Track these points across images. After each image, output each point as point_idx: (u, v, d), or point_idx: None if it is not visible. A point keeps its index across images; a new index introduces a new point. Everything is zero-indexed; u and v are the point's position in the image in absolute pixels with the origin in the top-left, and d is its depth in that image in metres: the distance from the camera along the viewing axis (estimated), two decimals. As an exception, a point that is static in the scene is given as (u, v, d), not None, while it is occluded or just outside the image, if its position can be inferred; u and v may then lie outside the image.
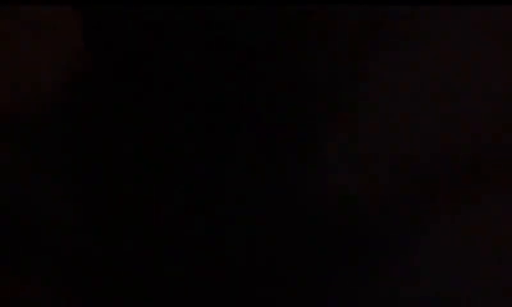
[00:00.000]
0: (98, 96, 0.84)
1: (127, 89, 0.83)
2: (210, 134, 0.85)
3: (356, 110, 0.88)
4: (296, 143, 0.88)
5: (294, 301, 0.81)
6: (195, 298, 0.81)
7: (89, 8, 0.82)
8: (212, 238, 0.85)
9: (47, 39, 0.82)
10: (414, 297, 0.79)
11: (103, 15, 0.83)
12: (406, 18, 0.90)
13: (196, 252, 0.84)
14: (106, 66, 0.84)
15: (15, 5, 0.81)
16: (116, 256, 0.82)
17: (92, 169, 0.84)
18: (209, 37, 0.84)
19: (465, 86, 0.88)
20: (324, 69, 0.89)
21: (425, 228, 0.83)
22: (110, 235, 0.83)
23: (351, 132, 0.87)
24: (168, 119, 0.84)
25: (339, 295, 0.80)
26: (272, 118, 0.88)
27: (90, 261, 0.82)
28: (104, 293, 0.81)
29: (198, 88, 0.85)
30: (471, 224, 0.83)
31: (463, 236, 0.82)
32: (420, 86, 0.89)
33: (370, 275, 0.81)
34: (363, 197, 0.85)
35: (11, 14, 0.80)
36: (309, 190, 0.85)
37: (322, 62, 0.89)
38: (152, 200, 0.84)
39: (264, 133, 0.87)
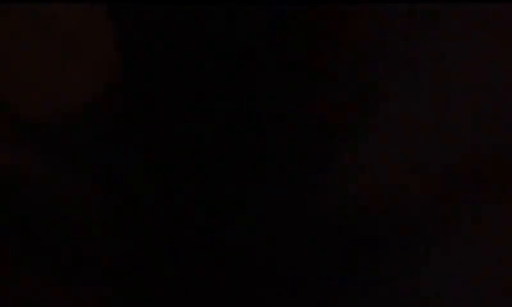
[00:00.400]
0: (129, 105, 0.87)
1: (159, 97, 0.86)
2: (234, 148, 0.87)
3: (368, 117, 0.88)
4: (309, 149, 0.88)
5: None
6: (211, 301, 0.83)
7: (121, 16, 0.84)
8: (218, 239, 0.85)
9: (78, 47, 0.84)
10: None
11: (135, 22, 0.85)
12: (420, 19, 0.89)
13: (207, 252, 0.85)
14: (138, 75, 0.86)
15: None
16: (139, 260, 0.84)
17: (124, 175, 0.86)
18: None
19: (484, 87, 0.88)
20: (339, 76, 0.89)
21: (442, 236, 0.83)
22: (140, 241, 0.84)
23: (364, 138, 0.87)
24: (196, 126, 0.86)
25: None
26: (284, 125, 0.88)
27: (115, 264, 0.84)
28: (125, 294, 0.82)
29: (226, 98, 0.87)
30: (490, 231, 0.83)
31: (481, 243, 0.82)
32: (435, 88, 0.88)
33: (386, 282, 0.81)
34: (376, 204, 0.85)
35: (42, 25, 0.82)
36: (322, 197, 0.86)
37: (337, 69, 0.89)
38: (179, 208, 0.86)
39: (276, 139, 0.88)
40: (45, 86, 0.83)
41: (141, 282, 0.84)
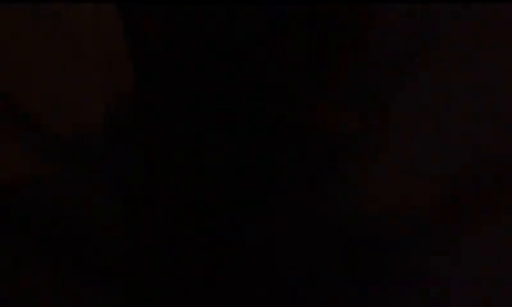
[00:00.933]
0: (142, 114, 0.88)
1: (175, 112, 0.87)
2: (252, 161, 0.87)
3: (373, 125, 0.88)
4: (315, 158, 0.88)
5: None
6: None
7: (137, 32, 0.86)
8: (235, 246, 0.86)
9: (90, 58, 0.85)
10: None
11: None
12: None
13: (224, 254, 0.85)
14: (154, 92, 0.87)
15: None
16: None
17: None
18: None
19: (487, 95, 0.87)
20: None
21: (447, 244, 0.83)
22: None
23: (369, 147, 0.88)
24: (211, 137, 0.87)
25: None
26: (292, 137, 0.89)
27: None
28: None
29: (240, 107, 0.88)
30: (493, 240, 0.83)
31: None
32: (437, 95, 0.88)
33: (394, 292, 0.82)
34: (383, 215, 0.85)
35: (62, 45, 0.83)
36: (330, 207, 0.86)
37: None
38: (189, 215, 0.86)
39: (285, 151, 0.88)
40: (61, 97, 0.84)
41: (147, 286, 0.84)
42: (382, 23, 0.86)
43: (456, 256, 0.83)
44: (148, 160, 0.86)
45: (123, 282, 0.84)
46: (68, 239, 0.83)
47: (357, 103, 0.87)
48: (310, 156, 0.87)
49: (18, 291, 0.81)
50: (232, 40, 0.87)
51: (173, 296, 0.84)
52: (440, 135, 0.85)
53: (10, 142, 0.82)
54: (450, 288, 0.82)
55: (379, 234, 0.84)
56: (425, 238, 0.84)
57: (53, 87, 0.83)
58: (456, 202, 0.84)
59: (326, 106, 0.88)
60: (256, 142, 0.88)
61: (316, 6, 0.87)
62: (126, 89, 0.85)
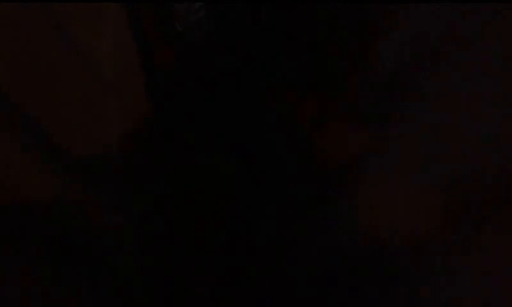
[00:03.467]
0: (159, 137, 0.90)
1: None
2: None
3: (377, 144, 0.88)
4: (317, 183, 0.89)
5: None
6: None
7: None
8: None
9: (110, 84, 0.87)
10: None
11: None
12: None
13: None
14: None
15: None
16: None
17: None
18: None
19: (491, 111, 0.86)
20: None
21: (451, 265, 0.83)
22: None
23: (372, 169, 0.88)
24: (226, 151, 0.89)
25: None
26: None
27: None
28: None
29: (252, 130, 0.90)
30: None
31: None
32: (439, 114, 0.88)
33: None
34: (385, 238, 0.85)
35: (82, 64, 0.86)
36: (332, 232, 0.87)
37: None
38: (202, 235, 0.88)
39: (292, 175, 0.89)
40: (82, 122, 0.86)
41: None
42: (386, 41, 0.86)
43: (455, 274, 0.83)
44: (162, 186, 0.89)
45: (135, 297, 0.86)
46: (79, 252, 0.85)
47: (367, 120, 0.87)
48: (315, 180, 0.88)
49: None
50: (239, 66, 0.89)
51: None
52: (440, 156, 0.85)
53: (30, 162, 0.85)
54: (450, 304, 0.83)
55: (381, 254, 0.85)
56: (425, 258, 0.84)
57: (73, 111, 0.85)
58: (455, 222, 0.84)
59: (337, 125, 0.89)
60: (265, 167, 0.89)
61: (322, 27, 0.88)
62: (141, 116, 0.88)
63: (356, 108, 0.88)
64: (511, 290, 0.81)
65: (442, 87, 0.85)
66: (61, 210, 0.85)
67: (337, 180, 0.88)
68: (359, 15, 0.87)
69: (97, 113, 0.87)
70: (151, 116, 0.90)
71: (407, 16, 0.86)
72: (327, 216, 0.88)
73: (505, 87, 0.83)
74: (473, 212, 0.84)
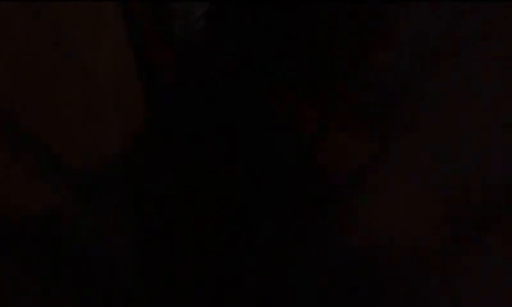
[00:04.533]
0: (157, 154, 0.90)
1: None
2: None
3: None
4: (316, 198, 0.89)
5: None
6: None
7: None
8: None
9: (109, 100, 0.87)
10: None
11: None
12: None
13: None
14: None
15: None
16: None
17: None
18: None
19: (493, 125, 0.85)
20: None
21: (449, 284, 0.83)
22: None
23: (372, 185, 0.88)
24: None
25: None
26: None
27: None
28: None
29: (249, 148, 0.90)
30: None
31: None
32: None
33: None
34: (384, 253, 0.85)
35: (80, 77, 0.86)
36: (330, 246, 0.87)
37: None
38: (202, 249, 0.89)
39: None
40: (81, 135, 0.86)
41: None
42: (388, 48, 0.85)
43: (455, 286, 0.83)
44: (160, 195, 0.89)
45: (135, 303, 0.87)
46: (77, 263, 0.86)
47: (368, 129, 0.87)
48: (317, 191, 0.89)
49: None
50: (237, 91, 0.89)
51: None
52: (440, 165, 0.85)
53: (31, 176, 0.85)
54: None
55: (381, 264, 0.85)
56: (425, 268, 0.84)
57: (73, 123, 0.86)
58: (456, 234, 0.84)
59: (337, 135, 0.88)
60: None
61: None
62: (140, 128, 0.88)
63: (356, 117, 0.88)
64: (511, 300, 0.81)
65: (442, 90, 0.84)
66: (60, 222, 0.86)
67: (337, 189, 0.88)
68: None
69: (96, 116, 0.87)
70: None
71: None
72: (327, 223, 0.88)
73: (505, 89, 0.83)
74: (473, 222, 0.84)
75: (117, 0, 0.84)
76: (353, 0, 0.86)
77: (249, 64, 0.89)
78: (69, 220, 0.85)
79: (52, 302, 0.84)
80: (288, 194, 0.89)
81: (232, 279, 0.89)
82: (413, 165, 0.85)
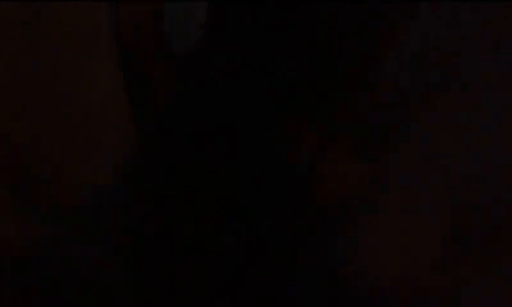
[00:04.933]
0: (149, 176, 0.91)
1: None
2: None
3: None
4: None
5: None
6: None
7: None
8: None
9: (97, 123, 0.87)
10: None
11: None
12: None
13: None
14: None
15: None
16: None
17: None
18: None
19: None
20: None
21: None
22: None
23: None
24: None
25: None
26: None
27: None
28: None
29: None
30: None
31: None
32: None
33: None
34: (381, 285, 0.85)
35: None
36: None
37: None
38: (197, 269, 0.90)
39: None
40: (70, 164, 0.86)
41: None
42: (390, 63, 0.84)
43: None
44: (155, 214, 0.89)
45: None
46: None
47: (367, 149, 0.86)
48: (312, 216, 0.89)
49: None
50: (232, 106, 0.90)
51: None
52: (440, 187, 0.84)
53: (20, 207, 0.84)
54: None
55: (379, 293, 0.85)
56: (423, 294, 0.83)
57: (64, 148, 0.85)
58: (455, 256, 0.84)
59: (336, 155, 0.88)
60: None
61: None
62: (131, 149, 0.88)
63: (356, 135, 0.87)
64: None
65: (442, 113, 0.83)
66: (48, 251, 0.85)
67: (335, 210, 0.87)
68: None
69: (88, 147, 0.86)
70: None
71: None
72: (325, 243, 0.88)
73: (506, 102, 0.82)
74: (473, 248, 0.83)
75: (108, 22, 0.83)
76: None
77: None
78: (62, 253, 0.85)
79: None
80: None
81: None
82: (413, 188, 0.84)
